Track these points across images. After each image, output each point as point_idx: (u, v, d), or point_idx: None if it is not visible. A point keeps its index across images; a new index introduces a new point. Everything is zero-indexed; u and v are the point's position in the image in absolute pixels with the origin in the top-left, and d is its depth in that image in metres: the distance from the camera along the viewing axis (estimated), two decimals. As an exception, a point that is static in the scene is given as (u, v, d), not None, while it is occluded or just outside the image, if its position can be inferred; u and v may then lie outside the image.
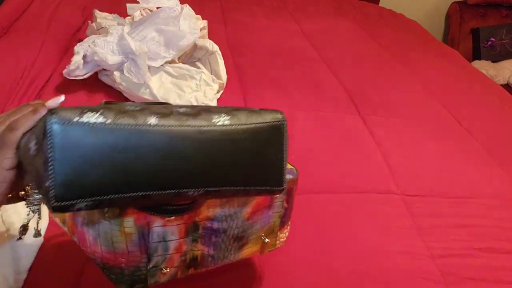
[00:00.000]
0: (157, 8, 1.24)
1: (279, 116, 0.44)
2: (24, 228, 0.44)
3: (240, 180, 0.42)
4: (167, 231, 0.44)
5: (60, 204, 0.34)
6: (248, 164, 0.42)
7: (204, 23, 1.41)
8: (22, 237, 0.44)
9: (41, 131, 0.34)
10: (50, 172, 0.33)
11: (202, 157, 0.39)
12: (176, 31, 1.15)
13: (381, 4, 2.68)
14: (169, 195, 0.38)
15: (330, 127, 1.15)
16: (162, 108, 0.40)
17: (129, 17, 1.34)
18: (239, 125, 0.41)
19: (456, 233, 0.85)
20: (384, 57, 1.69)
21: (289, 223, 0.60)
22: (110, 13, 1.40)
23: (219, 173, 0.40)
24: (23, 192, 0.44)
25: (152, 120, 0.37)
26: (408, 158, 1.07)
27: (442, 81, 1.57)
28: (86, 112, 0.35)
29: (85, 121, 0.34)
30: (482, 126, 1.30)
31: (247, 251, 0.54)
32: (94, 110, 0.36)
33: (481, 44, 2.60)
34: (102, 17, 1.36)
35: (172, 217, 0.44)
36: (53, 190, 0.33)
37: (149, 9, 1.33)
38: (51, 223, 0.70)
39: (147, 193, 0.37)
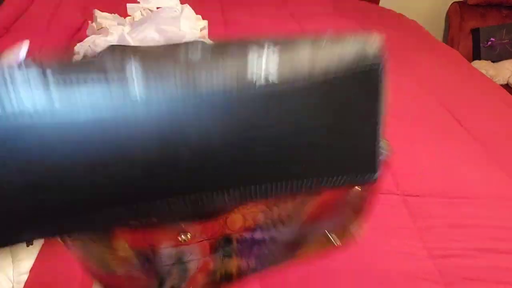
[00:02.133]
0: (158, 8, 1.24)
1: (368, 51, 0.22)
2: None
3: (300, 168, 0.24)
4: (183, 251, 0.31)
5: None
6: (314, 137, 0.24)
7: (204, 23, 1.41)
8: None
9: None
10: None
11: (228, 127, 0.22)
12: (176, 31, 1.15)
13: (381, 4, 2.68)
14: (181, 207, 0.23)
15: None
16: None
17: (129, 17, 1.34)
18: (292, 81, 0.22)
19: (455, 233, 0.85)
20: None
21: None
22: (110, 13, 1.40)
23: (263, 156, 0.23)
24: None
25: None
26: (408, 158, 1.07)
27: (442, 81, 1.57)
28: None
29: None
30: (482, 126, 1.30)
31: (304, 253, 0.40)
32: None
33: (481, 44, 2.60)
34: (102, 17, 1.36)
35: (187, 234, 0.30)
36: None
37: (149, 9, 1.33)
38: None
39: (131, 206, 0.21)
